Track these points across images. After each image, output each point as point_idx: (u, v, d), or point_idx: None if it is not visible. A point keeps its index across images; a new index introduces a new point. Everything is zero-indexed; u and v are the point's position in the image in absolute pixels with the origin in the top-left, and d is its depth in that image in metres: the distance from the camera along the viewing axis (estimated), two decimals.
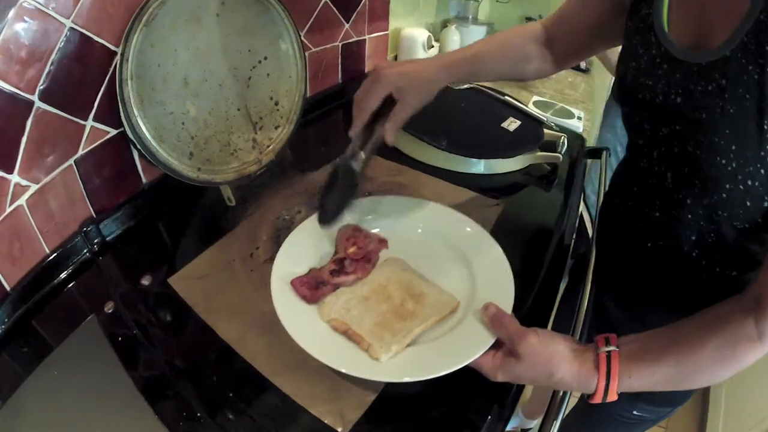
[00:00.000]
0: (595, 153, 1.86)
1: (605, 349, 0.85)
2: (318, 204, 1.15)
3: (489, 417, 0.89)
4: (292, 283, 0.97)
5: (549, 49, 1.31)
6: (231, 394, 0.88)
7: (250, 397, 0.88)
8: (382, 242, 1.12)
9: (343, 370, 0.83)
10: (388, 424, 0.85)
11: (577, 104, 2.41)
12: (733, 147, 0.84)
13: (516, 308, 0.97)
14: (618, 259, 1.25)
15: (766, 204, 0.87)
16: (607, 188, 1.37)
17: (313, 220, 1.12)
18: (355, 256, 1.05)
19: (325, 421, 0.83)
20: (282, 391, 0.88)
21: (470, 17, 3.01)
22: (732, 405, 2.54)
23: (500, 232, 1.28)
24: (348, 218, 1.14)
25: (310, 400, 0.85)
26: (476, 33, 2.90)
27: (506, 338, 0.87)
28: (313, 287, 0.98)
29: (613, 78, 2.57)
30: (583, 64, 2.88)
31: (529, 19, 3.39)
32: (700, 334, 0.83)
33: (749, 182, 0.85)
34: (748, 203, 0.88)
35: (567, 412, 1.05)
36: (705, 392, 2.88)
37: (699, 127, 0.89)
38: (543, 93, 2.44)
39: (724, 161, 0.86)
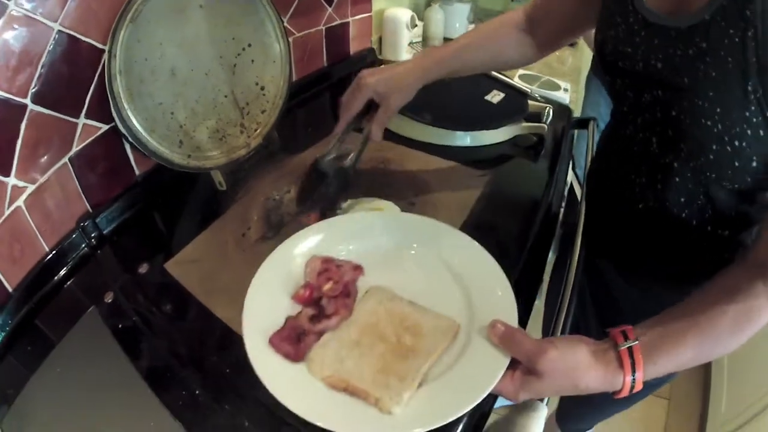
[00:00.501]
0: (583, 123, 1.85)
1: (625, 345, 0.81)
2: (311, 201, 1.20)
3: None
4: (271, 341, 0.85)
5: (532, 35, 1.31)
6: (228, 371, 0.90)
7: (247, 373, 0.83)
8: (357, 269, 1.00)
9: None
10: None
11: (565, 77, 2.41)
12: (718, 109, 0.84)
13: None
14: (608, 222, 1.26)
15: (754, 164, 0.87)
16: (593, 156, 1.39)
17: (269, 262, 0.99)
18: (333, 293, 0.93)
19: None
20: None
21: None
22: (735, 378, 2.52)
23: (487, 203, 1.32)
24: (314, 246, 1.05)
25: None
26: (460, 11, 2.87)
27: (523, 357, 0.81)
28: (294, 341, 0.85)
29: (593, 54, 2.59)
30: None
31: None
32: (714, 310, 0.82)
33: (736, 143, 0.85)
34: (737, 164, 0.88)
35: None
36: (707, 366, 2.86)
37: (682, 92, 0.89)
38: (530, 66, 2.39)
39: (709, 123, 0.86)
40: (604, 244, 1.30)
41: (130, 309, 1.04)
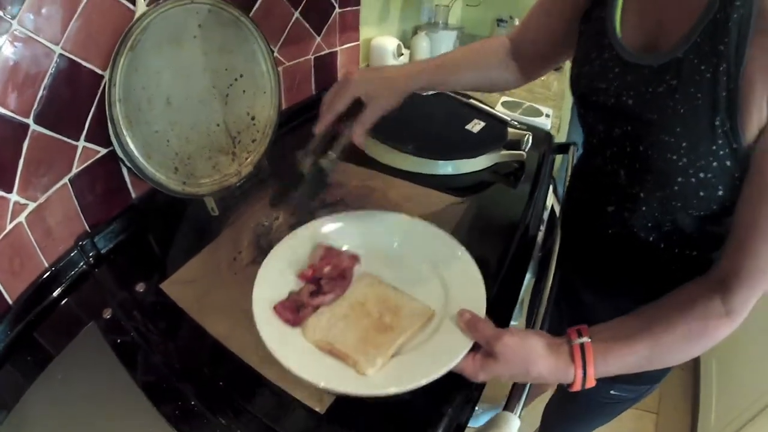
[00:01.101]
0: (564, 148, 1.90)
1: (578, 340, 0.89)
2: (286, 204, 1.21)
3: (457, 396, 0.95)
4: (275, 308, 0.98)
5: (515, 60, 1.33)
6: (221, 384, 0.95)
7: (240, 387, 0.93)
8: (354, 258, 1.13)
9: (335, 388, 0.86)
10: (360, 402, 0.89)
11: (548, 102, 2.43)
12: (684, 144, 0.88)
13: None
14: (581, 245, 1.30)
15: (720, 192, 0.91)
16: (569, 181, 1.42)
17: (282, 245, 1.14)
18: (331, 275, 1.06)
19: (307, 404, 0.90)
20: (268, 380, 0.94)
21: (441, 22, 3.00)
22: (724, 389, 2.57)
23: (466, 228, 1.36)
24: (319, 238, 1.16)
25: (292, 386, 0.92)
26: (446, 38, 2.92)
27: (483, 341, 0.91)
28: (294, 310, 0.99)
29: None
30: None
31: (500, 21, 3.37)
32: (669, 318, 0.88)
33: (701, 174, 0.89)
34: (702, 193, 0.92)
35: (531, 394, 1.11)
36: (695, 379, 2.87)
37: (650, 127, 0.93)
38: (514, 93, 2.45)
39: (674, 157, 0.90)
40: (578, 266, 1.34)
41: (129, 325, 1.07)
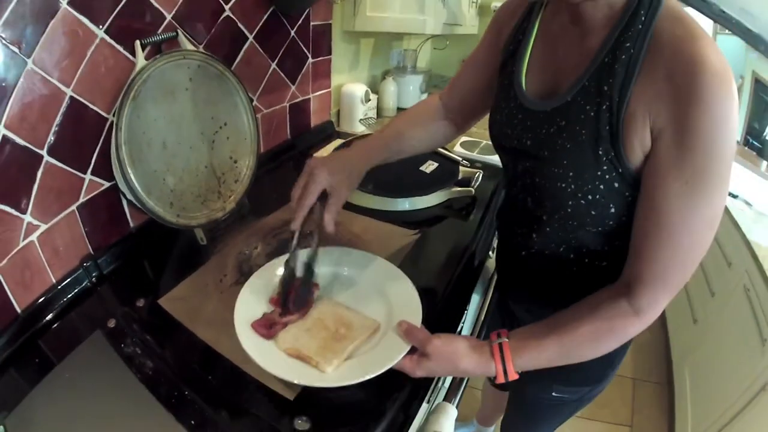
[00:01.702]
0: None
1: (497, 341, 1.04)
2: (286, 295, 1.25)
3: (404, 392, 1.10)
4: (252, 325, 1.15)
5: (448, 118, 1.49)
6: (210, 377, 1.11)
7: (226, 380, 1.10)
8: (315, 285, 1.30)
9: (302, 383, 1.04)
10: (322, 391, 1.05)
11: None
12: (571, 173, 0.99)
13: (428, 316, 1.17)
14: (508, 267, 1.45)
15: (612, 210, 1.00)
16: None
17: (256, 276, 1.30)
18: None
19: (280, 393, 1.07)
20: (248, 374, 1.10)
21: (409, 66, 3.16)
22: (699, 397, 2.62)
23: (417, 255, 1.53)
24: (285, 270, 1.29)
25: (268, 379, 1.09)
26: (413, 81, 3.07)
27: (417, 344, 1.07)
28: (268, 327, 1.15)
29: None
30: None
31: None
32: (576, 320, 1.00)
33: (590, 197, 0.99)
34: (593, 212, 1.02)
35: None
36: (670, 390, 2.93)
37: (543, 162, 1.05)
38: (473, 132, 2.38)
39: (563, 185, 1.01)
40: (508, 285, 1.50)
41: (132, 333, 1.20)
